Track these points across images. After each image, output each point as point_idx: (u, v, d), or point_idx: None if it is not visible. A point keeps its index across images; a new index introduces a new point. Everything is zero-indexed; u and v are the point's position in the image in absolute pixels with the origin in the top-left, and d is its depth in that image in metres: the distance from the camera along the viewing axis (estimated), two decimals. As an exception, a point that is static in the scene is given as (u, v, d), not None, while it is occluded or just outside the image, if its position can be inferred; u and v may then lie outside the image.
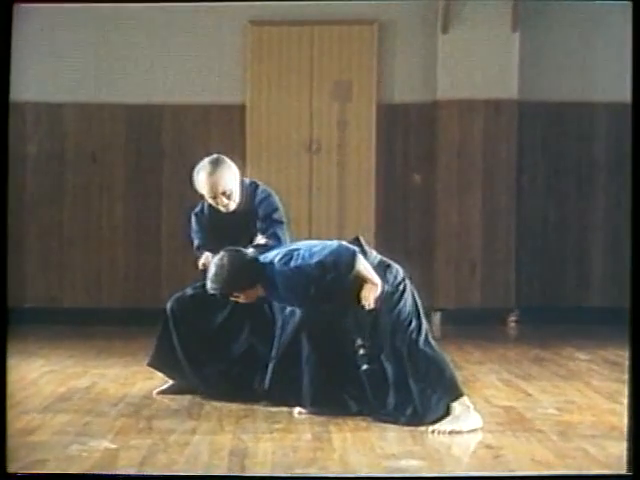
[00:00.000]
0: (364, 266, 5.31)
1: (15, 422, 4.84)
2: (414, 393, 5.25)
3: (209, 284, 5.49)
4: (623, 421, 4.51)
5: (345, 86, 9.36)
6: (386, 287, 5.32)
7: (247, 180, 6.23)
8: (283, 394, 5.71)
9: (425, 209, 9.44)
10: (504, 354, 7.76)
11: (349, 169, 9.43)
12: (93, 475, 3.96)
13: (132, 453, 4.71)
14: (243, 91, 9.33)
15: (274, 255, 5.50)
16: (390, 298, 5.34)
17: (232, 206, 6.06)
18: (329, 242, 5.44)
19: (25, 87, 8.48)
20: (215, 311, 6.07)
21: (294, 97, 9.36)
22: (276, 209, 6.19)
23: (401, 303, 5.35)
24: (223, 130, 9.39)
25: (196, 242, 6.27)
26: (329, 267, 5.28)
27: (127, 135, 9.30)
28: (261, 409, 5.74)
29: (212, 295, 5.62)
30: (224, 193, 5.99)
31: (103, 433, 5.09)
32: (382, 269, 5.38)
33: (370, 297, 5.27)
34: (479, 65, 9.08)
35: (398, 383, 5.31)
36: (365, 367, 5.38)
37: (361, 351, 5.38)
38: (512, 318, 9.23)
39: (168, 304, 6.13)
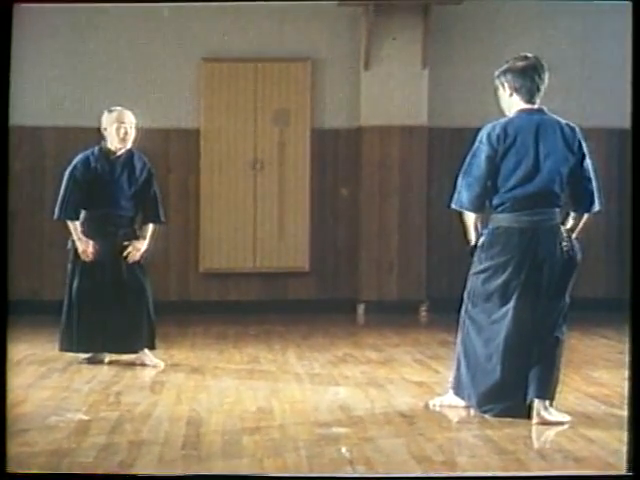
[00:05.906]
0: None
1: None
2: None
3: None
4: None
5: (284, 113, 9.36)
6: None
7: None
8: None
9: (351, 216, 9.47)
10: (417, 338, 7.80)
11: (287, 184, 9.44)
12: (94, 475, 3.89)
13: (103, 423, 4.68)
14: (198, 117, 9.29)
15: None
16: None
17: (128, 143, 6.26)
18: None
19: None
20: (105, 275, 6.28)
21: (241, 122, 9.33)
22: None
23: None
24: (181, 151, 9.34)
25: (72, 202, 6.26)
26: None
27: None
28: (214, 385, 5.73)
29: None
30: (130, 125, 6.21)
31: (78, 406, 5.05)
32: None
33: None
34: (395, 96, 9.14)
35: None
36: None
37: None
38: (423, 308, 9.28)
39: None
